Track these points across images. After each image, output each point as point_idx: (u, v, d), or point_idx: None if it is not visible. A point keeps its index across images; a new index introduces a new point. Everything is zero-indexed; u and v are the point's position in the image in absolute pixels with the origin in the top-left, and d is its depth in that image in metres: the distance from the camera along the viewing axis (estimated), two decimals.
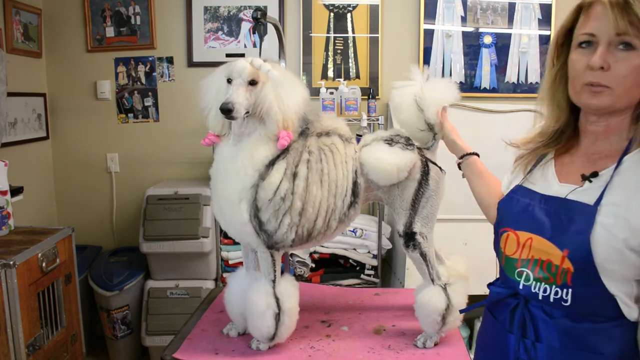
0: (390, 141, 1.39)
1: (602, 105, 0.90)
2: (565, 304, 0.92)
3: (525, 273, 0.98)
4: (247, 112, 1.27)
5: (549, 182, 0.99)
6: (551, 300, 0.94)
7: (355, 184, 1.40)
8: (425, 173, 1.41)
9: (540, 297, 0.95)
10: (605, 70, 0.88)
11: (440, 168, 1.44)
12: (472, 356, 1.24)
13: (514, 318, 1.00)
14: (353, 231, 2.63)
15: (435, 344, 1.45)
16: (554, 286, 0.93)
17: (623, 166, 0.89)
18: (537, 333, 0.97)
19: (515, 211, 1.01)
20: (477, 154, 1.32)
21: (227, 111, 1.21)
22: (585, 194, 0.91)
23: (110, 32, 2.91)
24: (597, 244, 0.87)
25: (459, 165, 1.34)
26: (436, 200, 1.43)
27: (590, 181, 0.91)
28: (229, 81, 1.28)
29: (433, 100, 1.40)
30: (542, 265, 0.94)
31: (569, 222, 0.91)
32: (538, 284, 0.95)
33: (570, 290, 0.91)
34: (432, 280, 1.44)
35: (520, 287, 0.99)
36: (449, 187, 1.48)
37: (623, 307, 0.90)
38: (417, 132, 1.45)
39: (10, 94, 2.42)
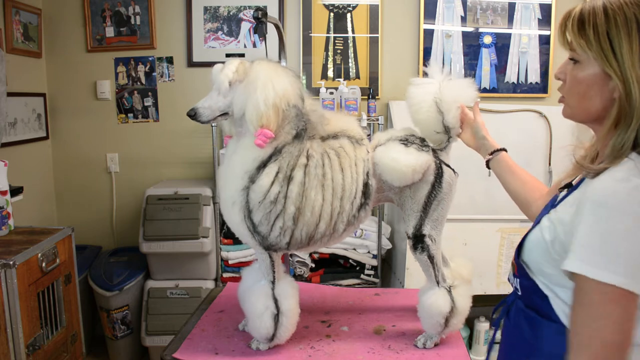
0: (405, 141, 1.37)
1: (564, 115, 0.96)
2: (519, 294, 1.00)
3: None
4: (226, 114, 1.31)
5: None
6: (513, 287, 1.03)
7: (366, 185, 1.37)
8: (439, 175, 1.38)
9: (512, 285, 1.05)
10: (564, 82, 0.94)
11: (453, 170, 1.42)
12: (472, 356, 1.25)
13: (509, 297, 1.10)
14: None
15: (436, 345, 1.45)
16: (513, 275, 1.02)
17: (587, 178, 0.88)
18: (514, 304, 1.04)
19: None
20: (505, 150, 1.31)
21: (190, 117, 1.29)
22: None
23: (110, 32, 2.91)
24: (529, 242, 0.94)
25: (487, 162, 1.34)
26: (447, 203, 1.40)
27: (566, 190, 0.94)
28: None
29: (454, 104, 1.37)
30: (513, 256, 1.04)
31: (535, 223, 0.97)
32: (511, 271, 1.05)
33: (518, 280, 0.99)
34: (437, 283, 1.43)
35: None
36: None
37: (560, 314, 0.90)
38: (432, 134, 1.41)
39: (10, 94, 2.42)
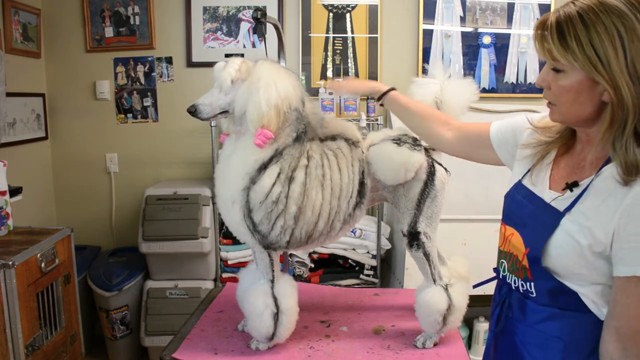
0: (398, 141, 1.39)
1: (553, 119, 0.97)
2: (532, 296, 0.99)
3: (503, 264, 1.07)
4: (226, 112, 1.31)
5: (544, 186, 1.01)
6: (521, 291, 1.02)
7: (362, 184, 1.39)
8: (431, 173, 1.41)
9: (513, 287, 1.04)
10: (547, 89, 0.94)
11: (445, 169, 1.44)
12: (471, 356, 1.25)
13: (499, 293, 1.11)
14: (352, 231, 2.63)
15: (435, 344, 1.45)
16: (519, 279, 1.01)
17: (600, 176, 0.90)
18: (510, 307, 1.05)
19: (511, 208, 1.07)
20: (394, 89, 1.37)
21: (189, 113, 1.28)
22: (564, 202, 0.94)
23: (109, 32, 2.91)
24: (558, 248, 0.92)
25: (381, 105, 1.41)
26: (441, 200, 1.42)
27: (572, 190, 0.94)
28: None
29: (453, 106, 1.41)
30: (512, 259, 1.03)
31: (540, 225, 0.96)
32: (510, 275, 1.04)
33: (532, 283, 0.98)
34: (434, 280, 1.44)
35: (500, 276, 1.09)
36: (448, 187, 1.48)
37: (590, 305, 0.92)
38: None
39: (9, 94, 2.42)
